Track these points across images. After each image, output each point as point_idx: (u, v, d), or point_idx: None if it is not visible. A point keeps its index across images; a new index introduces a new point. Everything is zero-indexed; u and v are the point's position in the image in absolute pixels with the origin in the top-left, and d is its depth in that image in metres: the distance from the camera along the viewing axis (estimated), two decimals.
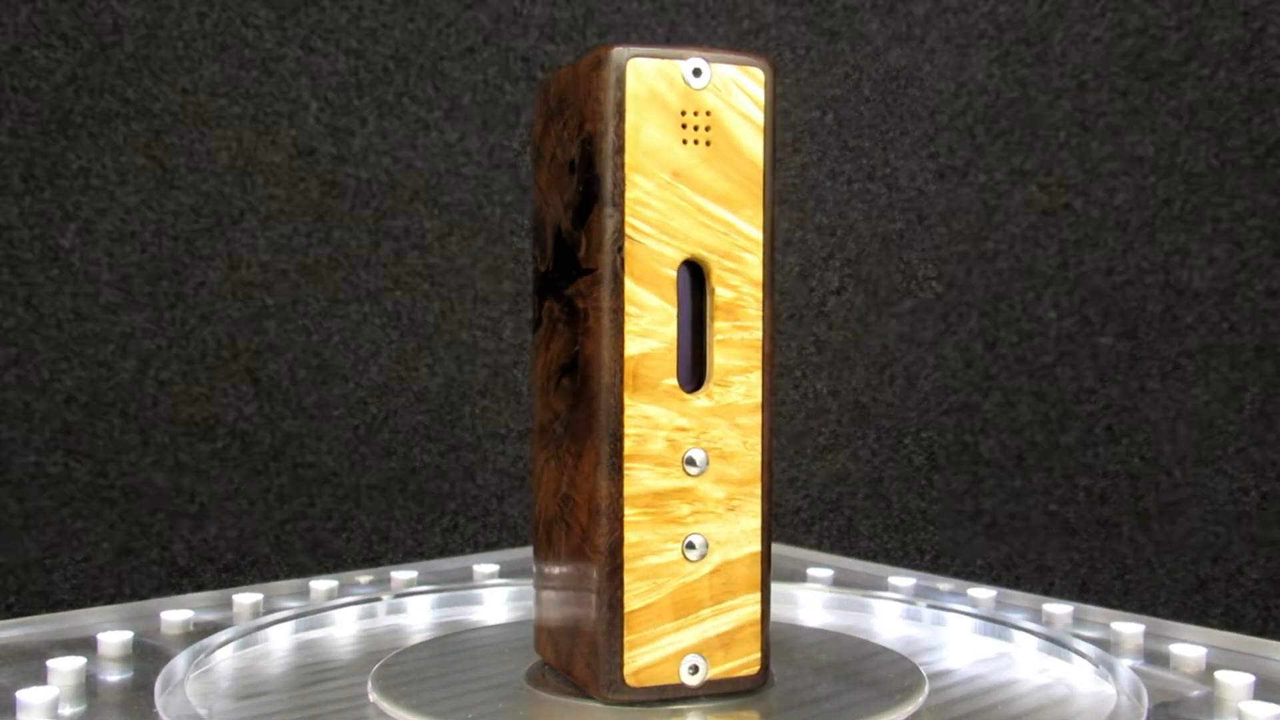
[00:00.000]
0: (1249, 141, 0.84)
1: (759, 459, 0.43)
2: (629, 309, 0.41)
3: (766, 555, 0.43)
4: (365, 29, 0.86)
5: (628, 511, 0.42)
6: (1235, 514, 0.85)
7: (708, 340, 0.42)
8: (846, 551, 0.88)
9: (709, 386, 0.42)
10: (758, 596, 0.43)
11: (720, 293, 0.42)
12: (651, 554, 0.42)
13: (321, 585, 0.59)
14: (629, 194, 0.41)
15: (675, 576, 0.42)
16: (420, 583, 0.62)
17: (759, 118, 0.42)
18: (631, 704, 0.42)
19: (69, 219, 0.83)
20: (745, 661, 0.43)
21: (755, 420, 0.43)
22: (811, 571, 0.64)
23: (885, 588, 0.62)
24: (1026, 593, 0.61)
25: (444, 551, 0.89)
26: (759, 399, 0.43)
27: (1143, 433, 0.86)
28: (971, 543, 0.89)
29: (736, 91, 0.42)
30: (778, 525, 0.89)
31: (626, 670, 0.42)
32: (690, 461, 0.42)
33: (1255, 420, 0.85)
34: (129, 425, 0.84)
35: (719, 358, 0.42)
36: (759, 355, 0.43)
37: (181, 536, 0.86)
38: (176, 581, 0.85)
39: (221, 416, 0.86)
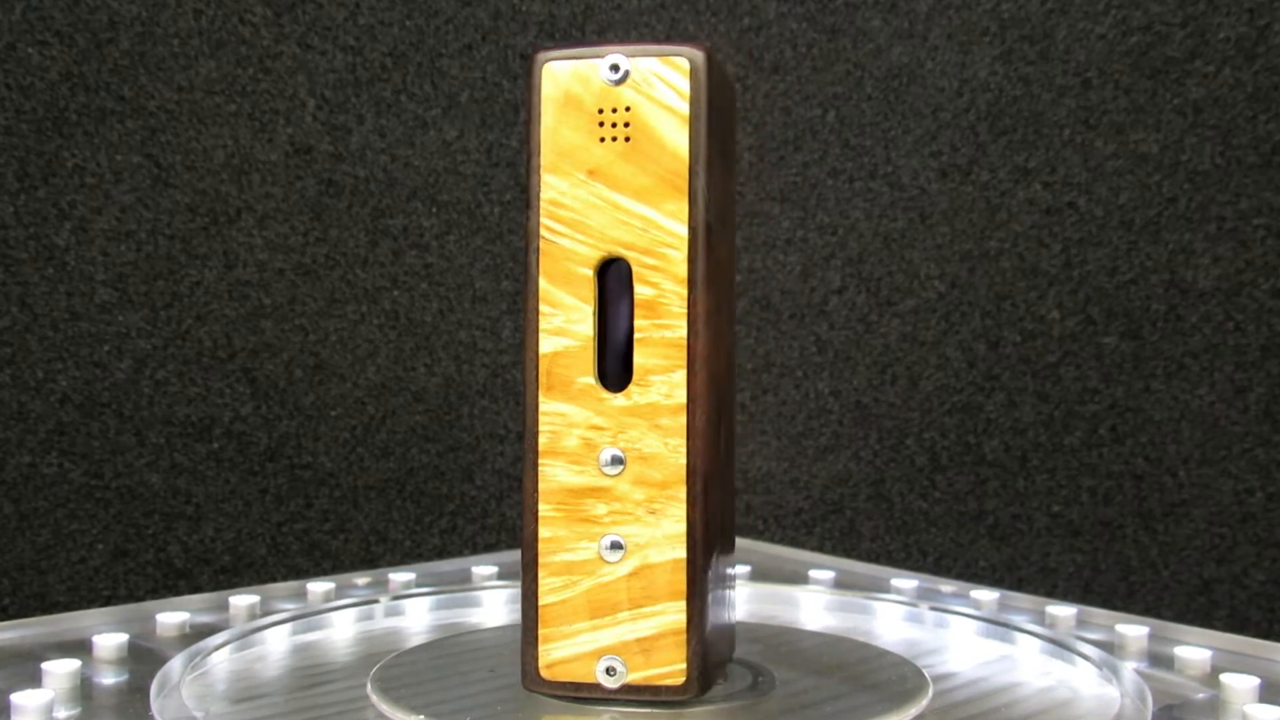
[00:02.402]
0: (1254, 139, 0.84)
1: (683, 462, 0.41)
2: (543, 308, 0.42)
3: (696, 563, 0.42)
4: (363, 26, 0.86)
5: (542, 507, 0.42)
6: (1240, 515, 0.85)
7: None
8: (848, 553, 0.88)
9: (632, 386, 0.42)
10: (682, 605, 0.42)
11: (640, 290, 0.41)
12: (565, 551, 0.42)
13: (319, 587, 0.59)
14: (543, 195, 0.42)
15: (590, 575, 0.42)
16: (418, 584, 0.61)
17: (683, 108, 0.41)
18: (550, 697, 0.43)
19: (64, 217, 0.83)
20: (668, 670, 0.42)
21: (678, 422, 0.41)
22: (813, 573, 0.64)
23: (887, 589, 0.62)
24: (1029, 595, 0.61)
25: (442, 553, 0.88)
26: (682, 399, 0.41)
27: (1147, 433, 0.86)
28: (974, 544, 0.88)
29: (659, 84, 0.41)
30: (779, 527, 0.89)
31: (541, 663, 0.42)
32: (606, 461, 0.42)
33: (1260, 420, 0.85)
34: (124, 426, 0.84)
35: (638, 357, 0.42)
36: (682, 354, 0.41)
37: (177, 538, 0.85)
38: (172, 583, 0.85)
39: (218, 417, 0.86)
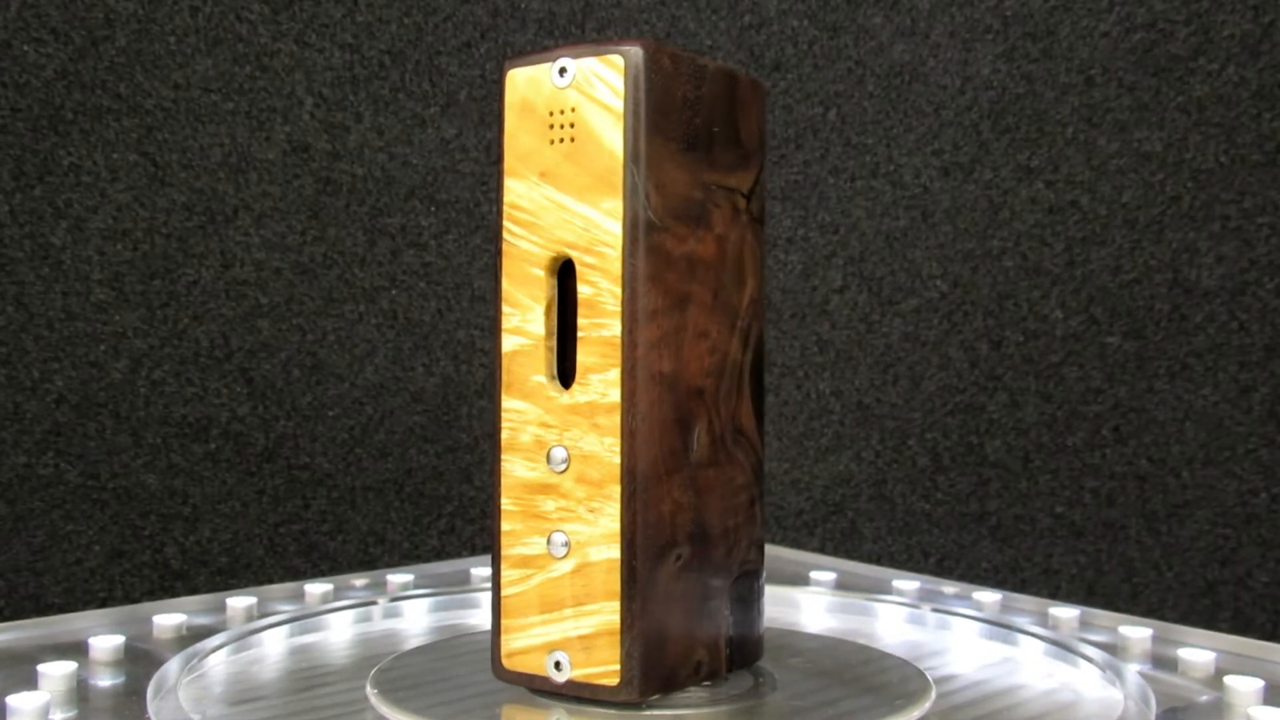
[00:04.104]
0: (1258, 137, 0.84)
1: (618, 462, 0.41)
2: (504, 308, 0.43)
3: (632, 565, 0.42)
4: (361, 23, 0.86)
5: (504, 501, 0.43)
6: (1244, 516, 0.85)
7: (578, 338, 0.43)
8: (850, 554, 0.87)
9: (574, 385, 0.42)
10: (616, 606, 0.42)
11: (581, 289, 0.42)
12: (521, 545, 0.43)
13: (316, 589, 0.59)
14: (506, 198, 0.43)
15: (541, 570, 0.43)
16: (416, 586, 0.61)
17: (618, 106, 0.41)
18: (513, 685, 0.44)
19: (60, 216, 0.83)
20: (604, 670, 0.42)
21: (613, 421, 0.41)
22: (814, 575, 0.64)
23: (889, 591, 0.62)
24: (1032, 596, 0.61)
25: (440, 554, 0.88)
26: (617, 399, 0.41)
27: (1150, 434, 0.86)
28: (976, 545, 0.88)
29: (598, 84, 0.41)
30: (780, 528, 0.89)
31: (503, 652, 0.43)
32: (551, 458, 0.42)
33: (1265, 421, 0.85)
34: (120, 426, 0.84)
35: (580, 355, 0.42)
36: (616, 353, 0.41)
37: (174, 539, 0.85)
38: (169, 585, 0.85)
39: (215, 417, 0.85)
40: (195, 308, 0.85)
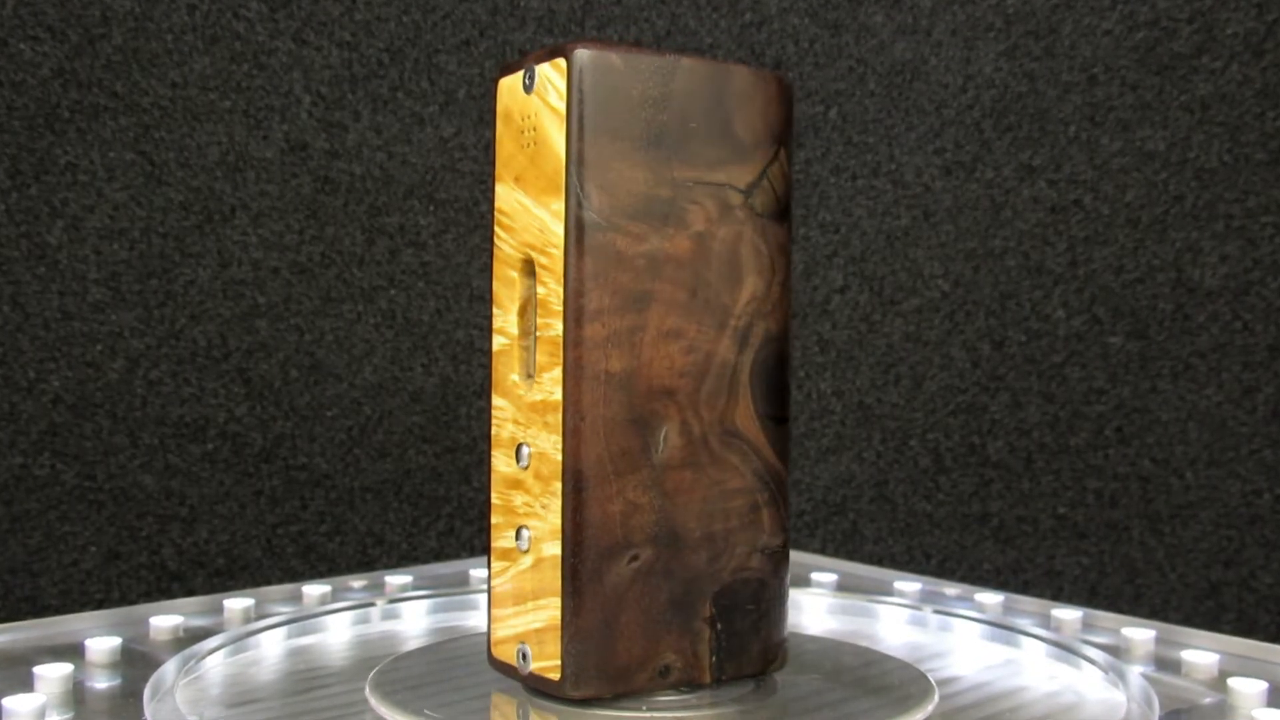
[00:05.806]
0: (1262, 136, 0.84)
1: (560, 459, 0.42)
2: (494, 309, 0.45)
3: (572, 561, 0.42)
4: (359, 22, 0.86)
5: (493, 495, 0.44)
6: (1248, 517, 0.85)
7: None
8: (851, 556, 0.87)
9: (534, 383, 0.43)
10: (558, 602, 0.42)
11: (538, 289, 0.43)
12: (502, 538, 0.44)
13: (314, 590, 0.59)
14: (495, 204, 0.45)
15: (514, 563, 0.43)
16: (415, 587, 0.61)
17: (562, 108, 0.42)
18: (502, 674, 0.45)
19: (56, 215, 0.82)
20: (551, 665, 0.42)
21: (558, 419, 0.42)
22: (815, 576, 0.64)
23: (891, 592, 0.62)
24: (1035, 598, 0.61)
25: (439, 555, 0.88)
26: (560, 398, 0.42)
27: (1153, 434, 0.86)
28: (978, 546, 0.88)
29: (550, 88, 0.42)
30: None
31: (492, 641, 0.45)
32: (520, 455, 0.43)
33: (1268, 421, 0.84)
34: (117, 426, 0.84)
35: (537, 355, 0.43)
36: (560, 352, 0.42)
37: (171, 540, 0.85)
38: (166, 586, 0.85)
39: (212, 418, 0.85)
40: (192, 307, 0.85)
